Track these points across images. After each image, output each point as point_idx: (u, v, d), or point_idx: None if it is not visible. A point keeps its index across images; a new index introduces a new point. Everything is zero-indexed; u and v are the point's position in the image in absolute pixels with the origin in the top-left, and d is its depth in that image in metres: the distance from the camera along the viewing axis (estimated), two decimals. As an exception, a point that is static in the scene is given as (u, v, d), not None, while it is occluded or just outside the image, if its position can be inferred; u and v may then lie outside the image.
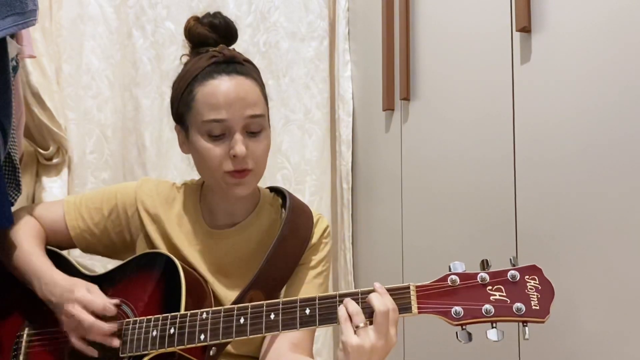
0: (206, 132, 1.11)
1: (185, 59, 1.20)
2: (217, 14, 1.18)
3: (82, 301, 1.06)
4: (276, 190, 1.30)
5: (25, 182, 1.80)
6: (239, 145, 1.09)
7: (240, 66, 1.14)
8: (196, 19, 1.18)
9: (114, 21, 2.01)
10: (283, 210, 1.24)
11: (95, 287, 1.10)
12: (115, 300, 1.08)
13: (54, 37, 1.92)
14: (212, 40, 1.17)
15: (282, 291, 1.21)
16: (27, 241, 1.19)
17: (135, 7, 2.01)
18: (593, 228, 1.00)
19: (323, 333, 2.02)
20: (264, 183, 1.33)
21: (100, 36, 2.00)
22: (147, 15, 2.01)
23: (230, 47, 1.18)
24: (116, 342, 1.06)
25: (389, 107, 1.75)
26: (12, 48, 1.25)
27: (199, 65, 1.13)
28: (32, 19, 1.17)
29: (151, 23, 2.01)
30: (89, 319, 1.04)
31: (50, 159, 1.85)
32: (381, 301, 0.93)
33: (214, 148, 1.10)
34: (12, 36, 1.27)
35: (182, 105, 1.14)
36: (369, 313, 0.93)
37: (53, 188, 1.85)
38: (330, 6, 2.16)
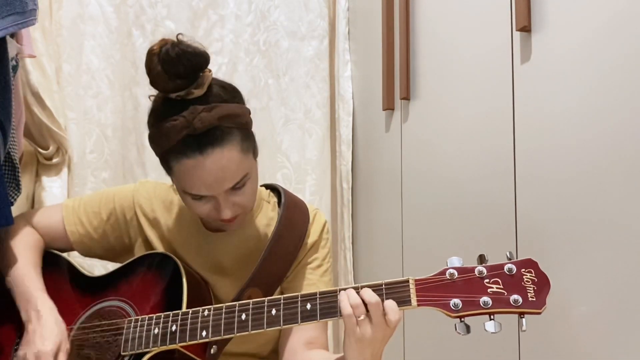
0: (189, 195, 1.07)
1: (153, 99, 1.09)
2: (176, 45, 0.99)
3: None
4: (272, 188, 1.30)
5: (25, 181, 1.80)
6: (225, 212, 1.06)
7: (215, 132, 1.02)
8: (157, 51, 1.00)
9: (114, 20, 2.01)
10: (279, 207, 1.24)
11: (64, 350, 1.07)
12: None
13: (54, 36, 1.92)
14: (173, 86, 1.02)
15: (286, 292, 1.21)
16: (23, 258, 1.17)
17: (135, 6, 2.01)
18: (593, 228, 1.00)
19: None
20: (263, 182, 1.33)
21: (100, 35, 2.00)
22: (147, 14, 2.02)
23: (201, 83, 1.02)
24: None
25: (389, 106, 1.75)
26: (12, 47, 1.25)
27: (169, 137, 1.02)
28: (32, 19, 1.17)
29: (151, 22, 2.02)
30: None
31: (50, 158, 1.85)
32: (371, 293, 0.95)
33: (199, 206, 1.08)
34: (12, 35, 1.27)
35: (162, 162, 1.09)
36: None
37: (53, 188, 1.85)
38: (330, 5, 2.17)
